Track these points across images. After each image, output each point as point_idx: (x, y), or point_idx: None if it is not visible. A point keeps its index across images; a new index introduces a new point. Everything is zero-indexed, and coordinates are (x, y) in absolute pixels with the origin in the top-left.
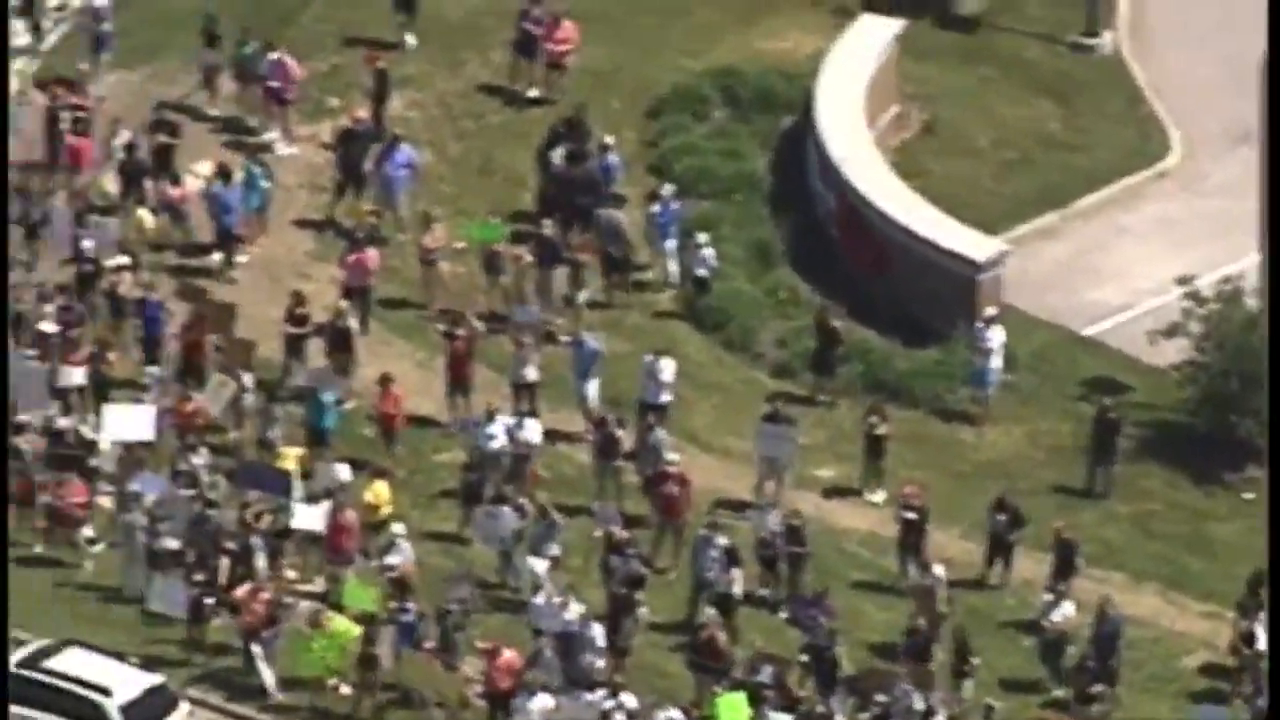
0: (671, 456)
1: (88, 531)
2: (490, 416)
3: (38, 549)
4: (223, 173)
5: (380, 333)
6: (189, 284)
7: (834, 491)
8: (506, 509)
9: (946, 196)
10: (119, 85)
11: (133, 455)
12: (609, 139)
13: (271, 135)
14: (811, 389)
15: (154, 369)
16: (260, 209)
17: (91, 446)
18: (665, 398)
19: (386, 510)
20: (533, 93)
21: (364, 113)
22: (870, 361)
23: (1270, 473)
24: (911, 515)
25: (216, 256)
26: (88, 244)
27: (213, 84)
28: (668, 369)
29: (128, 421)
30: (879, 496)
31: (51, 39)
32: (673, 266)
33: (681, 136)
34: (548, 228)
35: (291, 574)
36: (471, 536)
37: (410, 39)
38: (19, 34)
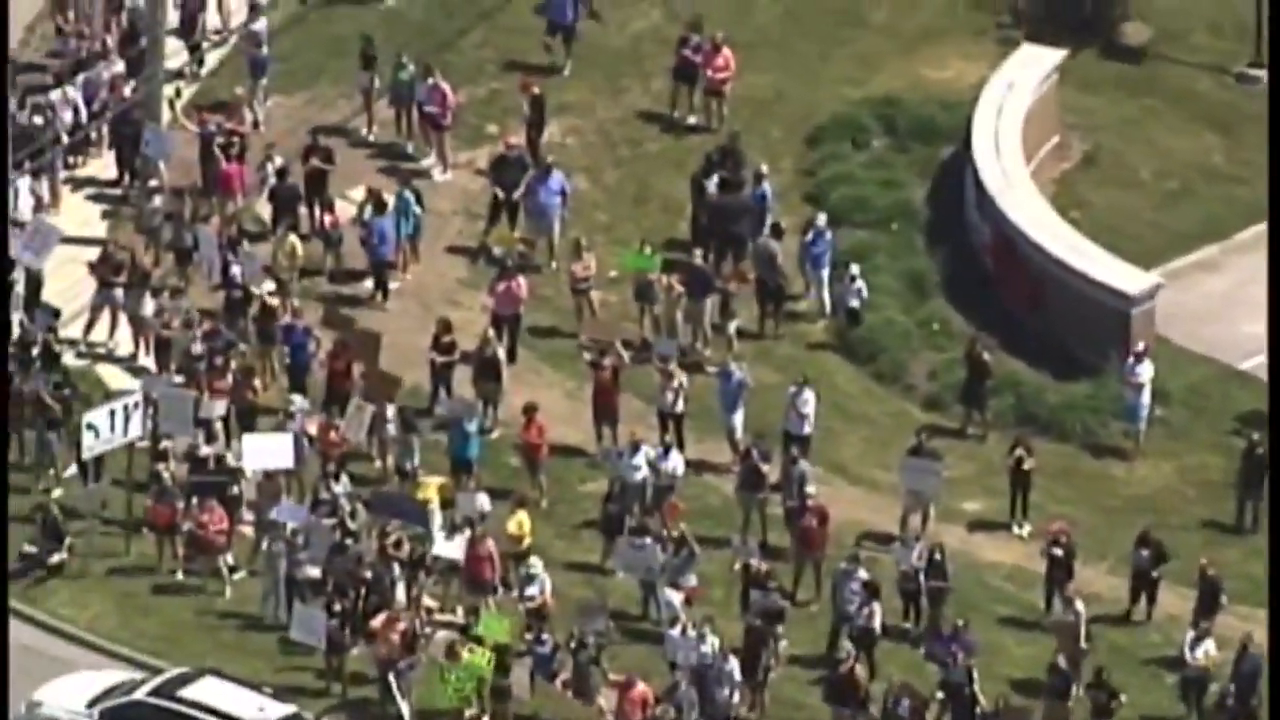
0: (810, 489)
1: (229, 559)
2: (634, 447)
3: (179, 576)
4: (376, 201)
5: (530, 361)
6: (334, 311)
7: (980, 525)
8: (649, 539)
9: (1106, 228)
10: (277, 110)
11: (273, 483)
12: (764, 167)
13: (428, 161)
14: (962, 421)
15: (297, 397)
16: (412, 236)
17: (234, 474)
18: (807, 429)
19: (529, 541)
20: (692, 120)
21: (516, 139)
22: (1021, 394)
23: (1272, 477)
24: (1058, 551)
25: (368, 285)
26: (236, 270)
27: (370, 109)
28: (810, 400)
29: (268, 450)
30: (1025, 530)
31: (210, 62)
32: (826, 297)
33: (839, 165)
34: (698, 257)
35: (431, 604)
36: (613, 567)
37: (565, 65)
38: (174, 56)
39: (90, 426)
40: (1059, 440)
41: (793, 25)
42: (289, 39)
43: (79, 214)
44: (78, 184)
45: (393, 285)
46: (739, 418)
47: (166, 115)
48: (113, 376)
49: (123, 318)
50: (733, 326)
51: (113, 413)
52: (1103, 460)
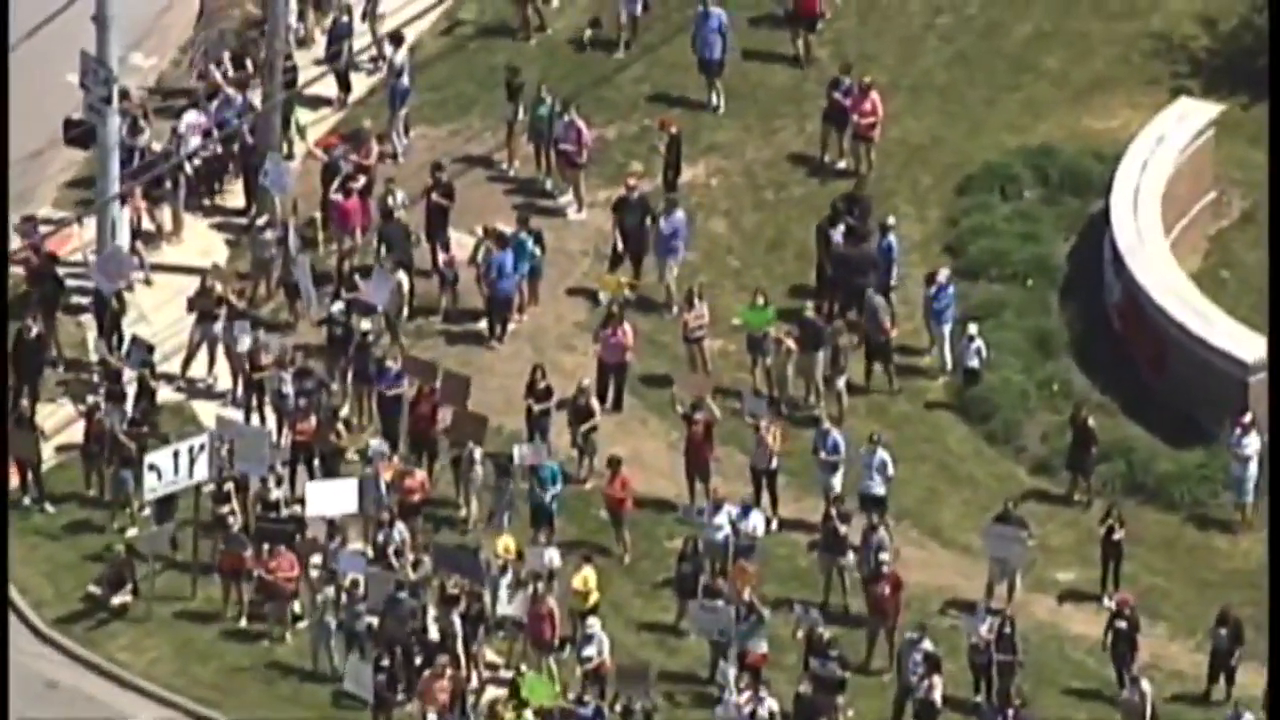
0: (885, 556)
1: (295, 607)
2: (716, 506)
3: (243, 623)
4: (496, 238)
5: (637, 410)
6: (414, 358)
7: (1072, 595)
8: (721, 602)
9: (1255, 289)
10: (420, 141)
11: (336, 530)
12: (890, 219)
13: (565, 199)
14: (1067, 488)
15: (374, 440)
16: (530, 277)
17: (300, 520)
18: (881, 490)
19: (595, 597)
20: (840, 165)
21: (635, 179)
22: (1132, 461)
23: (1271, 482)
24: (1122, 624)
25: (483, 325)
26: (338, 307)
27: (511, 143)
28: (881, 459)
29: (331, 496)
30: (1115, 602)
31: (359, 90)
32: (947, 353)
33: (983, 216)
34: (809, 309)
35: (494, 658)
36: (686, 629)
37: (718, 103)
38: (307, 68)
39: (152, 467)
40: (1165, 510)
41: (962, 70)
42: (444, 68)
43: (202, 242)
44: (204, 212)
45: (509, 326)
46: (837, 477)
47: (300, 145)
48: (208, 413)
49: (221, 352)
50: (842, 381)
51: (176, 454)
52: (1206, 532)
